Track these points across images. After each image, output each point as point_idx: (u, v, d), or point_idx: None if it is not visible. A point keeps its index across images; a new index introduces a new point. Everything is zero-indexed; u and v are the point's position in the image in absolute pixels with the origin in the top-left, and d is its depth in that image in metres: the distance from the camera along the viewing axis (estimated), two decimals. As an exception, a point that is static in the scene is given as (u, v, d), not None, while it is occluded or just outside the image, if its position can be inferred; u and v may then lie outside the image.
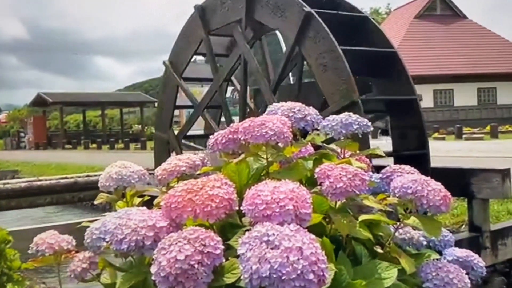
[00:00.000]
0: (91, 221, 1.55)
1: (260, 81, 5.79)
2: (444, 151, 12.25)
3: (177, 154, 7.07)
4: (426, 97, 32.16)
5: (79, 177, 10.47)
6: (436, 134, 26.27)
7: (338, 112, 1.82)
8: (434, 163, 5.17)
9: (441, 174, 1.71)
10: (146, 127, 45.98)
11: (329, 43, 4.80)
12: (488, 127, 27.63)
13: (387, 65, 5.31)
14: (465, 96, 36.52)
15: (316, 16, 4.93)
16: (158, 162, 7.30)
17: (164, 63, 6.95)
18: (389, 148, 5.25)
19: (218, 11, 6.13)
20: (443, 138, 24.96)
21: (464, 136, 25.37)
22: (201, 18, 6.27)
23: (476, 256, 1.67)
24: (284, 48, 8.20)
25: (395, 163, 5.00)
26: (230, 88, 8.80)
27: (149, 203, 1.71)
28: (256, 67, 5.88)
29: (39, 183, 9.99)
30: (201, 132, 8.11)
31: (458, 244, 1.80)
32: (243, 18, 5.77)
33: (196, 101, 6.79)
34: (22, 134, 50.38)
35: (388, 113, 5.75)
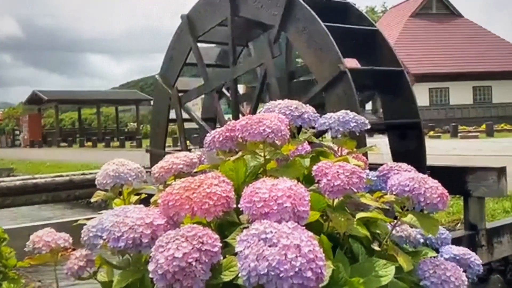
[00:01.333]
0: (88, 219, 1.55)
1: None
2: (440, 150, 12.29)
3: (176, 114, 7.09)
4: (421, 95, 32.22)
5: (75, 175, 10.46)
6: (431, 133, 26.34)
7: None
8: (430, 161, 5.19)
9: (437, 172, 1.71)
10: (141, 125, 45.93)
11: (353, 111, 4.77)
12: (483, 126, 27.76)
13: (411, 137, 5.33)
14: (460, 95, 36.62)
15: (349, 76, 4.84)
16: (155, 109, 7.27)
17: (181, 16, 6.86)
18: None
19: (251, 1, 6.02)
20: (439, 137, 25.06)
21: (459, 134, 25.48)
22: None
23: (473, 254, 1.67)
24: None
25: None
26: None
27: (146, 201, 1.71)
28: (274, 85, 5.79)
29: (34, 181, 9.97)
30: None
31: (454, 242, 1.81)
32: (275, 29, 5.61)
33: (206, 74, 6.74)
34: (17, 132, 50.31)
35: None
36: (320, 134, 1.85)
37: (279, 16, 5.50)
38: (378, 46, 5.58)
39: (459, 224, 5.98)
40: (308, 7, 5.22)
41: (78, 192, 10.14)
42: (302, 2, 5.29)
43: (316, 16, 5.14)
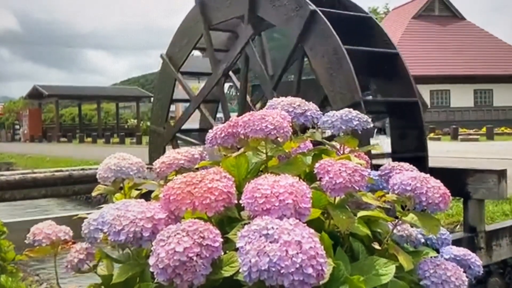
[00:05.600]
0: (88, 214, 1.54)
1: (262, 78, 5.77)
2: (440, 152, 12.29)
3: (173, 147, 7.08)
4: (423, 97, 32.18)
5: (74, 170, 10.43)
6: (432, 135, 26.31)
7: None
8: (430, 163, 5.18)
9: (437, 174, 1.70)
10: (142, 122, 45.92)
11: (333, 42, 4.79)
12: (483, 129, 27.74)
13: (388, 67, 5.33)
14: (461, 97, 36.62)
15: (321, 14, 4.91)
16: (152, 157, 7.32)
17: (161, 56, 6.91)
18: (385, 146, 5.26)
19: (220, 6, 6.10)
20: (439, 139, 25.04)
21: (459, 137, 25.48)
22: (201, 12, 6.23)
23: (473, 255, 1.67)
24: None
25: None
26: (227, 85, 8.75)
27: (146, 197, 1.70)
28: (259, 65, 5.84)
29: (33, 175, 9.94)
30: (196, 126, 8.07)
31: (453, 244, 1.80)
32: (246, 14, 5.73)
33: (193, 95, 6.78)
34: (17, 127, 50.29)
35: (388, 114, 5.76)
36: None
37: (246, 2, 5.63)
38: (370, 29, 5.63)
39: (458, 226, 5.98)
40: None
41: (77, 187, 10.12)
42: None
43: None
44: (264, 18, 5.71)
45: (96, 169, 1.79)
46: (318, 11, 4.92)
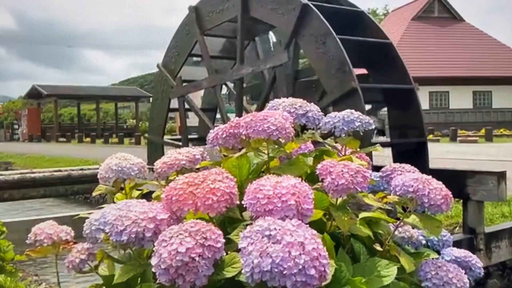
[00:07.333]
0: (89, 213, 1.54)
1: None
2: (439, 153, 12.28)
3: (179, 107, 7.09)
4: (421, 98, 32.13)
5: (73, 170, 10.44)
6: (430, 136, 26.30)
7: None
8: (429, 165, 5.19)
9: (437, 175, 1.70)
10: (140, 122, 45.86)
11: (325, 29, 4.87)
12: (482, 131, 27.73)
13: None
14: (460, 99, 36.60)
15: (360, 93, 4.82)
16: (155, 99, 7.24)
17: (189, 8, 6.84)
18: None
19: (264, 2, 5.91)
20: (438, 140, 25.04)
21: (458, 138, 25.48)
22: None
23: (474, 256, 1.67)
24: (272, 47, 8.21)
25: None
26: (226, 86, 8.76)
27: (147, 197, 1.70)
28: (283, 90, 5.73)
29: (32, 175, 9.95)
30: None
31: (452, 245, 1.80)
32: (289, 34, 5.53)
33: (212, 68, 6.74)
34: (16, 126, 50.20)
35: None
36: (326, 136, 1.84)
37: (292, 22, 5.39)
38: (390, 59, 5.60)
39: (457, 228, 5.97)
40: (323, 18, 5.16)
41: (76, 187, 10.13)
42: (317, 12, 5.21)
43: (331, 28, 5.07)
44: (300, 45, 5.66)
45: (95, 169, 1.79)
46: (358, 89, 4.81)
